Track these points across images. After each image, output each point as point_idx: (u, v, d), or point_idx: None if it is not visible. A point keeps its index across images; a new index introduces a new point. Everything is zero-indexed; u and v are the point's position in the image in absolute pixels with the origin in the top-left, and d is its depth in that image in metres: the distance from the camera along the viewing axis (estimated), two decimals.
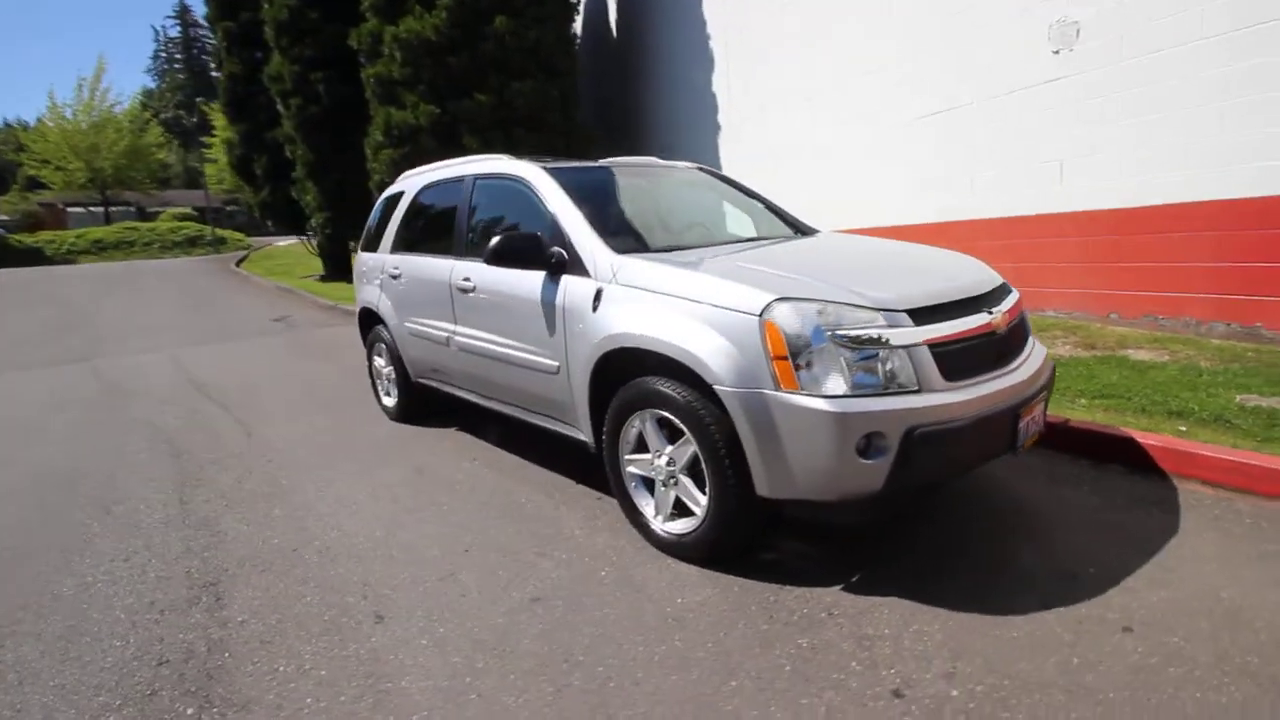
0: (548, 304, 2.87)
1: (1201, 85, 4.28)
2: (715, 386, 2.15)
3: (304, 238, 17.13)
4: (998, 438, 2.17)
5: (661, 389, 2.34)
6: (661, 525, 2.50)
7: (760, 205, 3.80)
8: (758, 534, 2.42)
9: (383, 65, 10.73)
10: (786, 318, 2.07)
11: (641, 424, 2.49)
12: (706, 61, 9.88)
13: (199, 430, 4.67)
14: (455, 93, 10.51)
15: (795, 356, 2.03)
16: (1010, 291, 2.60)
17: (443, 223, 3.88)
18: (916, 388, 2.04)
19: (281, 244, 27.72)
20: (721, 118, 9.71)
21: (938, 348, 2.10)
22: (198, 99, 32.31)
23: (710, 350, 2.17)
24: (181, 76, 60.24)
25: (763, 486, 2.13)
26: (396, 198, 4.50)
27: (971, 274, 2.54)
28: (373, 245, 4.71)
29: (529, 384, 3.10)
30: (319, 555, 2.72)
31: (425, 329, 3.91)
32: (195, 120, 30.10)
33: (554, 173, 3.16)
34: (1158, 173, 4.55)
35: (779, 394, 2.04)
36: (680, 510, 2.47)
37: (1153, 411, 3.36)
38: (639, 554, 2.53)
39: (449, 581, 2.43)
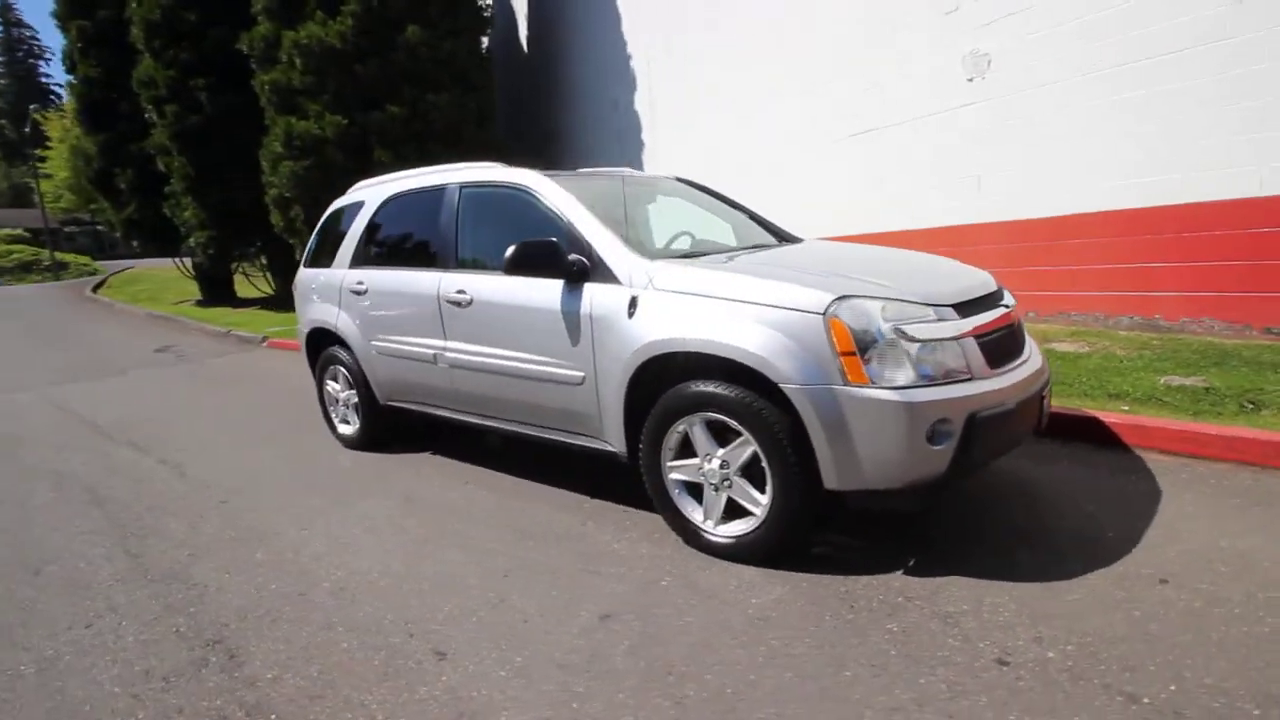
0: (570, 313, 2.79)
1: (1091, 113, 4.91)
2: (782, 385, 2.18)
3: (178, 260, 15.49)
4: (1032, 418, 2.37)
5: (716, 391, 2.34)
6: (713, 529, 2.49)
7: (742, 215, 3.91)
8: (811, 529, 2.47)
9: (280, 72, 10.02)
10: (851, 315, 2.15)
11: (689, 429, 2.48)
12: (628, 81, 10.05)
13: (117, 475, 4.08)
14: (365, 104, 10.01)
15: (863, 351, 2.11)
16: (1004, 289, 2.85)
17: (420, 234, 3.67)
18: (969, 375, 2.18)
19: (144, 266, 24.88)
20: (645, 136, 9.89)
21: (980, 338, 2.26)
22: (31, 106, 28.43)
23: (775, 350, 2.20)
24: (3, 82, 52.83)
25: (831, 480, 2.18)
26: (352, 209, 4.20)
27: (976, 274, 2.76)
28: (323, 260, 4.36)
29: (544, 398, 2.99)
30: (334, 597, 2.45)
31: (402, 347, 3.67)
32: (27, 131, 26.46)
33: (561, 180, 3.10)
34: (1058, 187, 5.16)
35: (848, 388, 2.11)
36: (730, 513, 2.47)
37: (1095, 394, 3.78)
38: (691, 561, 2.49)
39: (502, 608, 2.28)
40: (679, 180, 4.07)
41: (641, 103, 9.85)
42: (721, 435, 2.43)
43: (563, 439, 3.02)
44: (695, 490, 2.57)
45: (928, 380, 2.12)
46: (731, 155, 8.00)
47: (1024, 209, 5.38)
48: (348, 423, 4.35)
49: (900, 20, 5.98)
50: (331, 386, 4.38)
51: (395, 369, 3.79)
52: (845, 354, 2.11)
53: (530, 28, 12.78)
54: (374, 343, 3.88)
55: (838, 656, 1.88)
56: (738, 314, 2.31)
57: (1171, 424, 3.16)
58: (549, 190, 3.04)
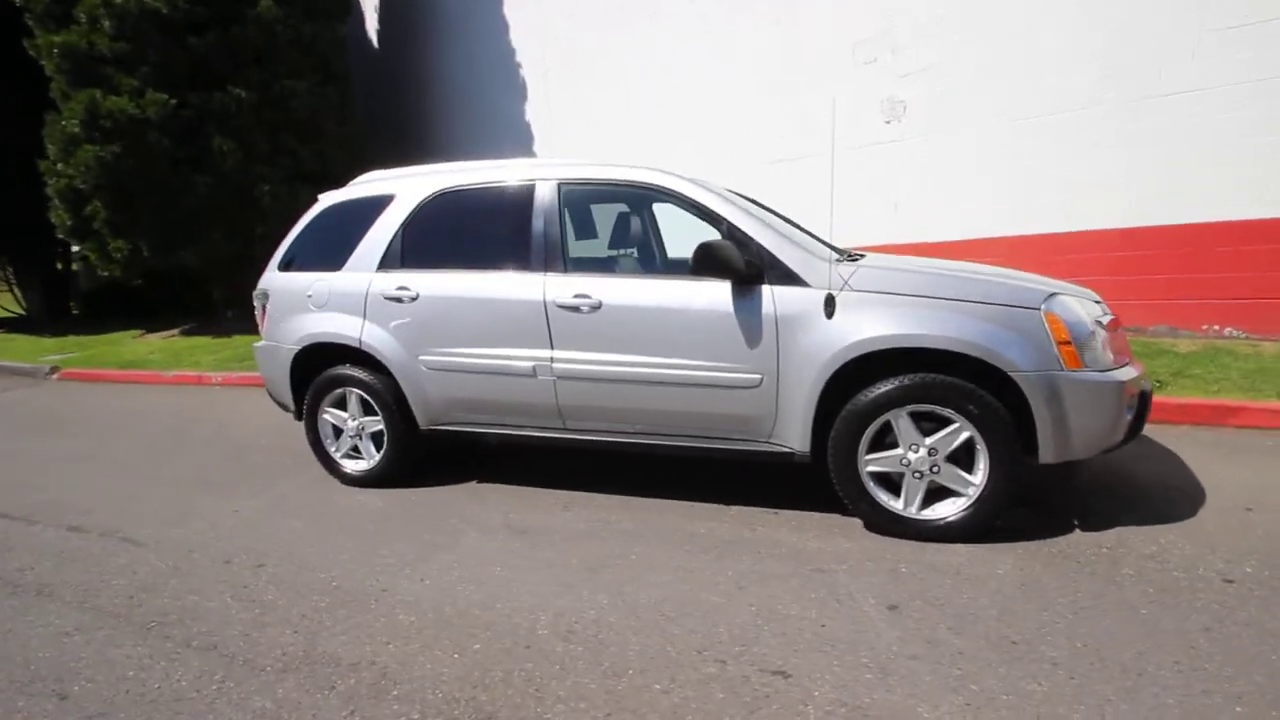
0: (747, 315, 2.75)
1: (985, 157, 6.03)
2: (1011, 373, 2.43)
3: None
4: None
5: (934, 381, 2.51)
6: (916, 514, 2.64)
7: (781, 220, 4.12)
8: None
9: (77, 34, 8.00)
10: (1062, 309, 2.48)
11: (893, 421, 2.61)
12: (516, 89, 9.75)
13: (74, 563, 2.98)
14: (201, 82, 8.40)
15: (1077, 341, 2.45)
16: None
17: (499, 234, 3.29)
18: (1127, 361, 2.65)
19: None
20: (539, 148, 9.65)
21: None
22: None
23: (1001, 342, 2.44)
24: None
25: (1048, 455, 2.48)
26: (370, 203, 3.58)
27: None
28: (319, 263, 3.65)
29: (702, 404, 2.88)
30: (571, 641, 2.13)
31: (478, 361, 3.23)
32: None
33: (693, 181, 3.03)
34: (961, 215, 6.24)
35: (1068, 373, 2.42)
36: (929, 498, 2.65)
37: None
38: (901, 547, 2.60)
39: (787, 620, 2.18)
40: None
41: (535, 114, 9.61)
42: (928, 425, 2.60)
43: (717, 446, 2.94)
44: (883, 481, 2.70)
45: (1117, 364, 2.54)
46: None
47: (934, 233, 6.39)
48: (358, 456, 3.67)
49: (821, 64, 6.74)
50: (334, 415, 3.65)
51: (460, 386, 3.32)
52: (1063, 343, 2.44)
53: (382, 24, 11.75)
54: (425, 358, 3.35)
55: (1120, 603, 2.16)
56: (959, 311, 2.51)
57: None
58: (694, 191, 2.96)
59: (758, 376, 2.77)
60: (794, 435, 2.78)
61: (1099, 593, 2.22)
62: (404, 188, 3.53)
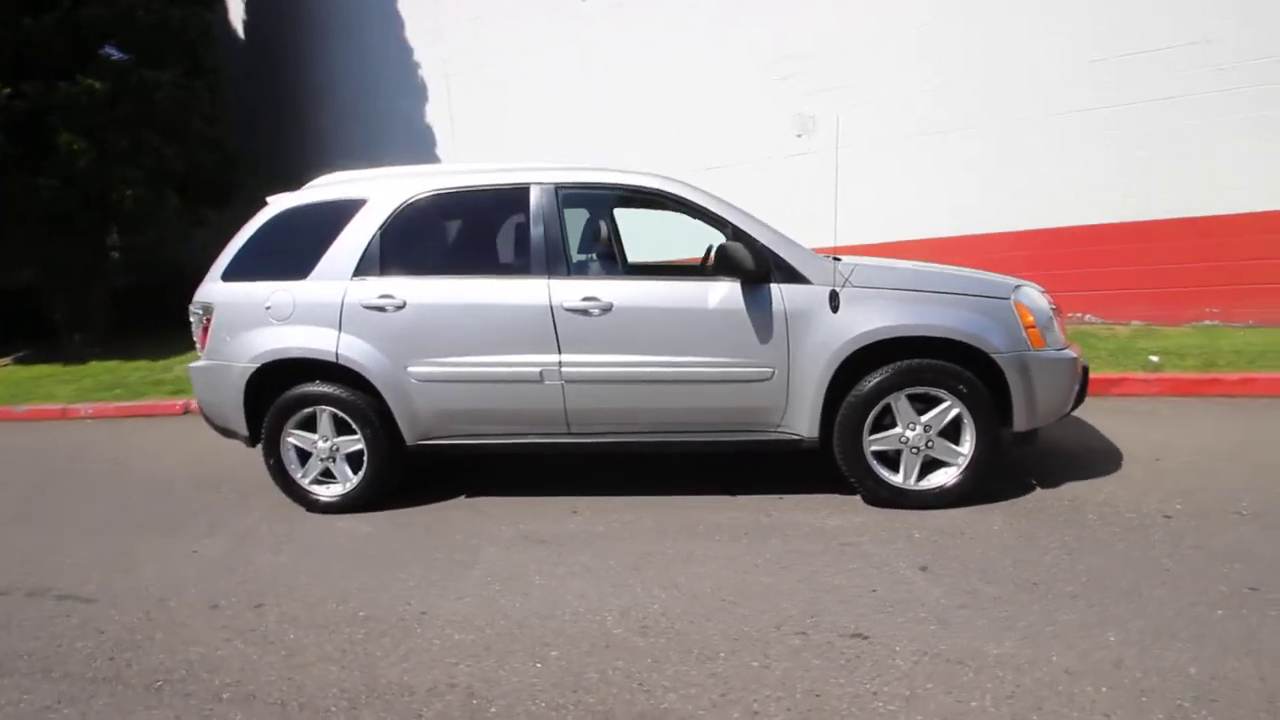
0: (759, 312, 2.92)
1: (893, 170, 6.70)
2: (993, 354, 2.79)
3: None
4: None
5: (929, 365, 2.82)
6: (915, 485, 2.94)
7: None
8: None
9: None
10: (1026, 298, 2.89)
11: (893, 403, 2.89)
12: (415, 91, 9.35)
13: (41, 633, 2.51)
14: (40, 70, 7.29)
15: (1039, 325, 2.86)
16: None
17: (494, 238, 3.22)
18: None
19: None
20: (442, 153, 9.29)
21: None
22: None
23: (983, 327, 2.80)
24: None
25: (1021, 423, 2.87)
26: (338, 207, 3.34)
27: None
28: (281, 271, 3.35)
29: (715, 399, 3.02)
30: (641, 637, 2.16)
31: (477, 369, 3.13)
32: None
33: (692, 186, 3.16)
34: (872, 221, 6.89)
35: (1034, 353, 2.83)
36: (923, 470, 2.96)
37: None
38: (907, 517, 2.86)
39: (836, 590, 2.35)
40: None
41: (438, 117, 9.26)
42: (920, 405, 2.90)
43: (725, 438, 3.08)
44: (882, 458, 2.98)
45: (1064, 345, 2.99)
46: None
47: (846, 239, 6.98)
48: (329, 480, 3.41)
49: (738, 75, 7.15)
50: (300, 438, 3.36)
51: (455, 397, 3.19)
52: (1029, 327, 2.84)
53: (251, 11, 10.78)
54: (414, 369, 3.19)
55: (1097, 542, 2.56)
56: (944, 302, 2.86)
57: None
58: (697, 196, 3.09)
59: (770, 370, 2.95)
60: (803, 423, 2.98)
61: (1079, 537, 2.62)
62: (378, 190, 3.33)
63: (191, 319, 3.54)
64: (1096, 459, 3.41)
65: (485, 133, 8.91)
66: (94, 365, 8.02)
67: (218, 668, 2.17)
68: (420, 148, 9.37)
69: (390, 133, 9.68)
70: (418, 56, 9.27)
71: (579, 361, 3.07)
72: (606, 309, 3.03)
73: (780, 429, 3.04)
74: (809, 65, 6.89)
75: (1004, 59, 6.17)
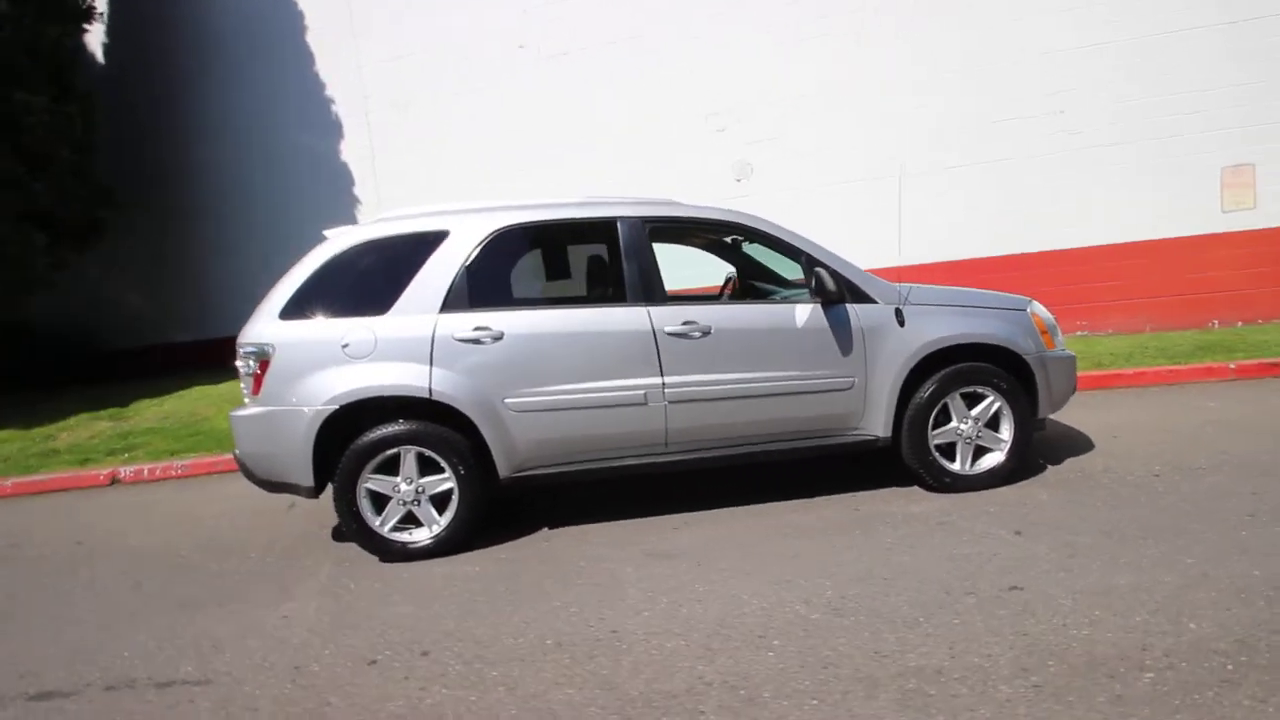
0: (840, 329, 3.32)
1: (833, 215, 7.52)
2: (1024, 355, 3.42)
3: None
4: None
5: (984, 367, 3.38)
6: (969, 471, 3.46)
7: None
8: None
9: None
10: (1039, 309, 3.57)
11: (949, 403, 3.40)
12: (328, 128, 8.93)
13: None
14: None
15: (1050, 330, 3.55)
16: None
17: (585, 269, 3.34)
18: None
19: None
20: (361, 191, 8.90)
21: None
22: None
23: (1015, 334, 3.43)
24: None
25: (1045, 411, 3.51)
26: (413, 242, 3.27)
27: None
28: (355, 307, 3.21)
29: (807, 408, 3.35)
30: (839, 617, 2.40)
31: (582, 396, 3.21)
32: None
33: (770, 221, 3.53)
34: None
35: (1049, 353, 3.51)
36: (974, 457, 3.49)
37: None
38: (971, 500, 3.34)
39: (965, 559, 2.74)
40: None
41: (355, 154, 8.85)
42: (967, 401, 3.44)
43: (808, 444, 3.41)
44: (941, 450, 3.47)
45: (1064, 346, 3.71)
46: None
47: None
48: (411, 525, 3.24)
49: (676, 127, 7.72)
50: (379, 482, 3.18)
51: (555, 426, 3.23)
52: (1044, 332, 3.52)
53: (113, 35, 9.70)
54: (511, 400, 3.18)
55: (1125, 499, 3.19)
56: (981, 314, 3.47)
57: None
58: (770, 228, 3.47)
59: (851, 379, 3.36)
60: (878, 424, 3.40)
61: (1109, 498, 3.25)
62: (459, 224, 3.32)
63: (239, 364, 3.24)
64: (1074, 440, 4.18)
65: (411, 172, 8.67)
66: None
67: (442, 715, 2.05)
68: (335, 185, 8.91)
69: (296, 169, 9.11)
70: (330, 92, 8.88)
71: (682, 382, 3.27)
72: (706, 331, 3.27)
73: (858, 431, 3.44)
74: (742, 116, 7.64)
75: (900, 120, 7.28)
